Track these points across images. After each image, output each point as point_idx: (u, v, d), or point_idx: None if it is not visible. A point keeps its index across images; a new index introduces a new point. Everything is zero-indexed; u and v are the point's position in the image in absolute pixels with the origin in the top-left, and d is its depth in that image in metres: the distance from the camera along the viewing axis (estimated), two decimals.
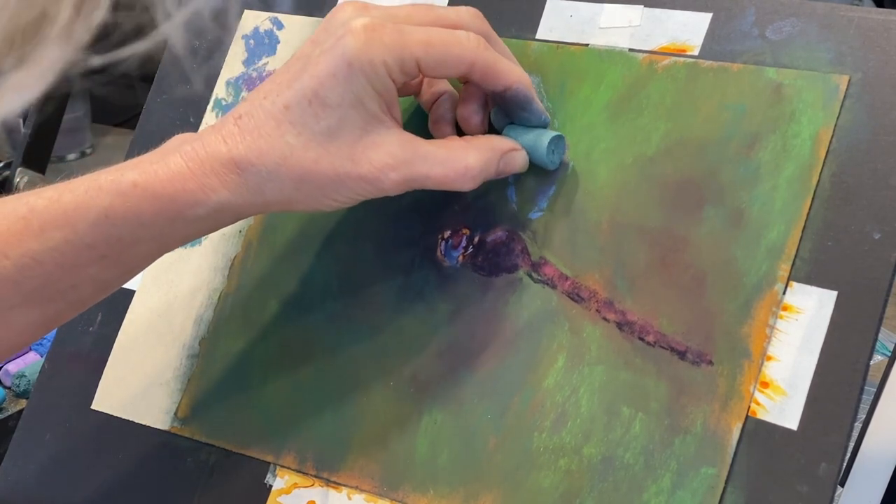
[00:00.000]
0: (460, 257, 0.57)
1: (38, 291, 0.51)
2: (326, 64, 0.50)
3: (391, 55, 0.51)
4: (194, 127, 0.65)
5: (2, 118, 0.32)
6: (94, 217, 0.50)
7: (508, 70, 0.54)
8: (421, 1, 0.61)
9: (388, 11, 0.53)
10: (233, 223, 0.54)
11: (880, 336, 0.63)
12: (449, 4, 0.62)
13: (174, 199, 0.51)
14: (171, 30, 0.36)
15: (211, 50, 0.67)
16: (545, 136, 0.55)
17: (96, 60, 0.36)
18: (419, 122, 0.59)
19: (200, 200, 0.51)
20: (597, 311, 0.54)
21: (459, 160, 0.53)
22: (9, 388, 0.99)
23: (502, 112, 0.56)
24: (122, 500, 0.61)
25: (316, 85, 0.50)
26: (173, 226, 0.52)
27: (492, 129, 0.57)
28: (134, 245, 0.52)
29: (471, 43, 0.52)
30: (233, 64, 0.66)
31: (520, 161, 0.55)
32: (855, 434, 0.69)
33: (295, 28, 0.65)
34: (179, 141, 0.52)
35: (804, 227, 0.51)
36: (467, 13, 0.54)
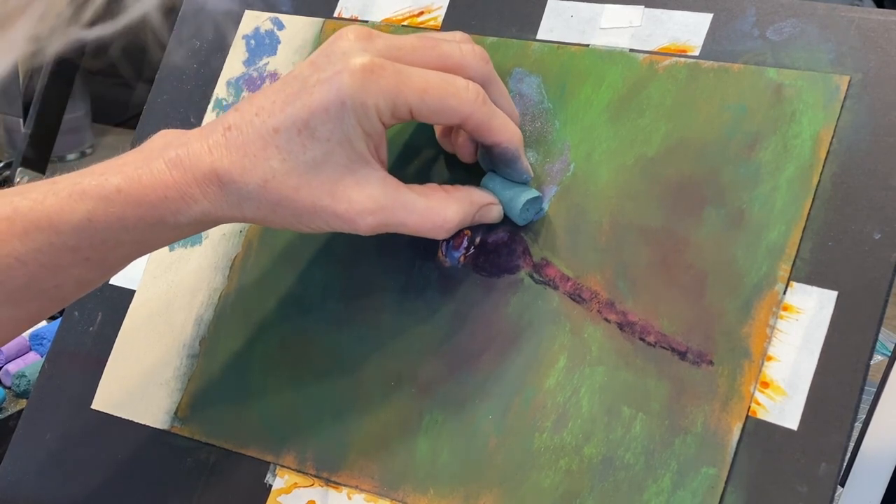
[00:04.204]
0: (461, 258, 0.57)
1: (20, 291, 0.51)
2: (320, 96, 0.50)
3: (384, 99, 0.50)
4: (195, 127, 0.65)
5: None
6: (77, 221, 0.50)
7: (501, 128, 0.53)
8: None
9: (392, 43, 0.52)
10: (214, 227, 0.55)
11: (880, 336, 0.63)
12: (450, 6, 0.62)
13: (156, 207, 0.51)
14: (144, 8, 0.36)
15: (211, 50, 0.67)
16: (522, 196, 0.55)
17: (87, 34, 0.36)
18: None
19: (182, 209, 0.51)
20: (598, 311, 0.54)
21: (438, 212, 0.53)
22: (9, 388, 0.99)
23: (488, 158, 0.56)
24: (121, 500, 0.61)
25: (307, 115, 0.50)
26: (155, 230, 0.52)
27: (476, 165, 0.57)
28: (117, 248, 0.52)
29: (469, 96, 0.52)
30: (233, 64, 0.66)
31: (495, 214, 0.56)
32: (855, 434, 0.69)
33: (295, 28, 0.65)
34: (165, 143, 0.52)
35: (804, 228, 0.51)
36: (472, 54, 0.54)
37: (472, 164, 0.57)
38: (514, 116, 0.55)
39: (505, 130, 0.54)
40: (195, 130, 0.53)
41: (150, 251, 0.55)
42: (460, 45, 0.54)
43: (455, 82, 0.52)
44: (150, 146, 0.52)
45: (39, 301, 0.53)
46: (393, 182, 0.52)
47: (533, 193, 0.56)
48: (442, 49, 0.53)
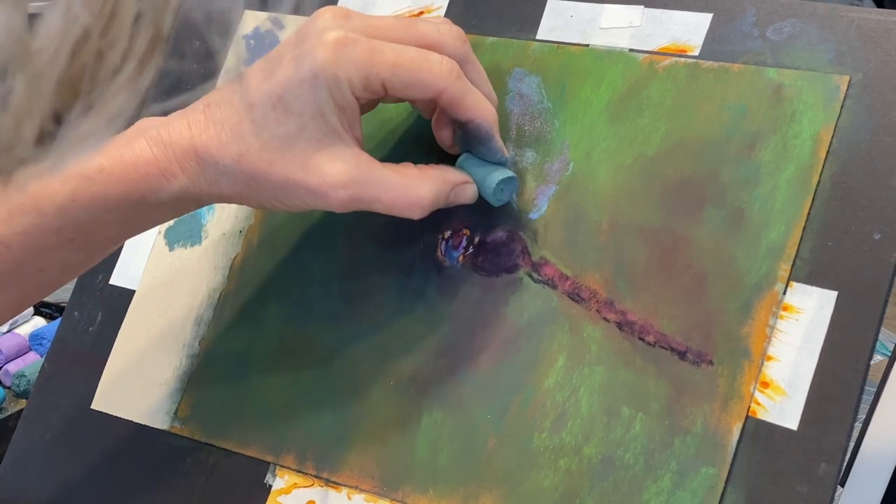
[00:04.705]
0: (461, 257, 0.57)
1: (5, 276, 0.52)
2: (294, 71, 0.51)
3: (357, 72, 0.51)
4: None
5: (69, 166, 0.32)
6: (60, 201, 0.51)
7: (474, 104, 0.53)
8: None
9: (369, 22, 0.52)
10: (195, 210, 0.55)
11: (880, 336, 0.63)
12: (449, 6, 0.62)
13: (138, 183, 0.51)
14: (204, 77, 0.37)
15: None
16: (495, 175, 0.55)
17: (156, 108, 0.37)
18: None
19: (163, 186, 0.52)
20: (597, 311, 0.54)
21: (412, 189, 0.53)
22: (9, 388, 0.99)
23: (464, 139, 0.56)
24: (121, 500, 0.61)
25: (281, 90, 0.51)
26: (138, 210, 0.52)
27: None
28: (100, 229, 0.52)
29: (442, 70, 0.52)
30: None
31: (469, 193, 0.55)
32: (855, 434, 0.69)
33: (295, 28, 0.65)
34: (147, 125, 0.53)
35: (804, 228, 0.51)
36: (450, 34, 0.54)
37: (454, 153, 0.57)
38: (490, 97, 0.55)
39: (478, 106, 0.54)
40: (176, 112, 0.53)
41: (134, 234, 0.55)
42: (438, 25, 0.54)
43: (429, 57, 0.52)
44: (133, 129, 0.53)
45: (24, 287, 0.53)
46: (366, 158, 0.52)
47: (507, 173, 0.55)
48: (419, 28, 0.53)
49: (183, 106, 0.52)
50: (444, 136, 0.57)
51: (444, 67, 0.52)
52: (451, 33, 0.54)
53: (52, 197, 0.51)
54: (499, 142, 0.55)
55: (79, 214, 0.51)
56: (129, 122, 0.32)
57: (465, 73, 0.53)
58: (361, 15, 0.53)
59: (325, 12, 0.52)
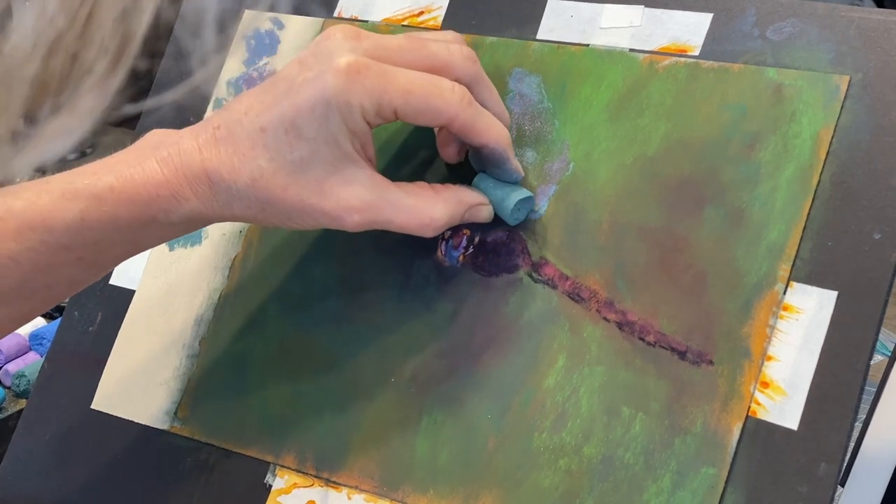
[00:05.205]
0: (461, 257, 0.57)
1: (13, 291, 0.52)
2: (306, 96, 0.50)
3: (369, 100, 0.50)
4: None
5: (40, 165, 0.32)
6: (70, 220, 0.51)
7: (487, 129, 0.53)
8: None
9: (379, 42, 0.52)
10: (205, 226, 0.55)
11: (880, 336, 0.63)
12: (450, 6, 0.62)
13: (149, 205, 0.51)
14: (205, 77, 0.36)
15: (211, 50, 0.67)
16: (513, 196, 0.55)
17: (130, 109, 0.37)
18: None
19: (173, 207, 0.51)
20: (597, 311, 0.54)
21: (425, 211, 0.53)
22: (9, 388, 0.99)
23: (478, 158, 0.56)
24: (121, 500, 0.61)
25: (294, 115, 0.50)
26: (147, 230, 0.52)
27: (468, 164, 0.57)
28: (109, 247, 0.52)
29: (454, 97, 0.52)
30: (233, 64, 0.66)
31: (485, 214, 0.56)
32: (855, 434, 0.69)
33: (295, 28, 0.65)
34: (156, 141, 0.53)
35: (804, 228, 0.51)
36: (460, 55, 0.54)
37: (467, 164, 0.57)
38: (503, 117, 0.55)
39: (490, 132, 0.54)
40: (186, 129, 0.53)
41: (143, 251, 0.55)
42: (448, 45, 0.54)
43: (440, 84, 0.52)
44: (141, 145, 0.53)
45: (31, 301, 0.53)
46: (380, 180, 0.52)
47: (524, 193, 0.56)
48: (429, 49, 0.53)
49: (157, 107, 0.52)
50: (448, 154, 0.57)
51: (456, 95, 0.52)
52: (462, 53, 0.54)
53: (62, 215, 0.51)
54: (514, 162, 0.55)
55: (88, 233, 0.51)
56: (100, 121, 0.32)
57: (476, 95, 0.53)
58: (371, 35, 0.52)
59: (335, 32, 0.52)
